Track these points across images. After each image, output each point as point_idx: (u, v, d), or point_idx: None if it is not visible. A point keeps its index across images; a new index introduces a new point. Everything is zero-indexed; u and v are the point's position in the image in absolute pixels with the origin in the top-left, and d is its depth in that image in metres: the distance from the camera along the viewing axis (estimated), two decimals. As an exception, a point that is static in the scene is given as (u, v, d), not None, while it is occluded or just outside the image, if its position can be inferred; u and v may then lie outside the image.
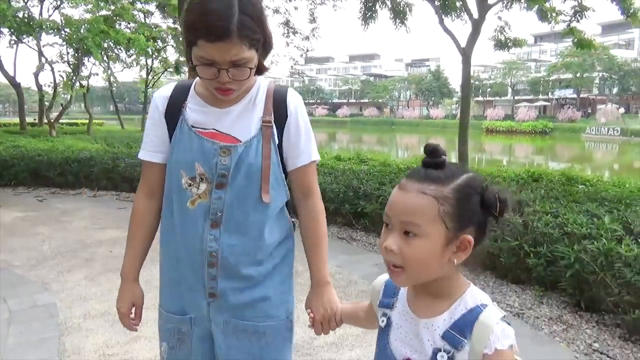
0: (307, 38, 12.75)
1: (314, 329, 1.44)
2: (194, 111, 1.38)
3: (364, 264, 4.36)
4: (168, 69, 24.10)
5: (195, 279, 1.39)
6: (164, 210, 1.45)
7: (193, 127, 1.36)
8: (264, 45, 1.28)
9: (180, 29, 19.11)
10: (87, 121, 20.47)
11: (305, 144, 1.44)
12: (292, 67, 14.19)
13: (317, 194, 1.50)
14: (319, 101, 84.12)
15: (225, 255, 1.36)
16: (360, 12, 10.30)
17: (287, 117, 1.41)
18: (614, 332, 3.05)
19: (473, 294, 1.00)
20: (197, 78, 1.39)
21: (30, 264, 4.26)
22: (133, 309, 1.48)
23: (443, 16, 9.31)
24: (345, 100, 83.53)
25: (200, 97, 1.39)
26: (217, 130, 1.36)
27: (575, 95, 59.00)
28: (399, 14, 10.08)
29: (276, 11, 12.46)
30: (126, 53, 21.33)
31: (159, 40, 22.06)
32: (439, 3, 9.01)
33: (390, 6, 10.14)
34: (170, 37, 21.78)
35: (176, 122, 1.38)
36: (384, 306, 1.12)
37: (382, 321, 1.10)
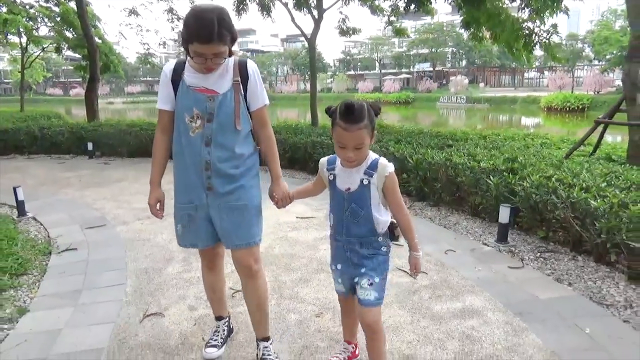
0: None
1: (277, 206, 2.20)
2: (189, 77, 2.02)
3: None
4: (46, 49, 23.73)
5: (197, 179, 2.06)
6: (176, 139, 2.09)
7: (190, 86, 2.00)
8: (231, 40, 1.91)
9: (55, 8, 19.60)
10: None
11: (261, 94, 2.10)
12: (178, 47, 16.06)
13: (269, 125, 2.15)
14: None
15: (214, 162, 2.02)
16: (234, 5, 12.74)
17: (248, 77, 2.06)
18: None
19: (372, 155, 1.92)
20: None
21: (35, 186, 6.44)
22: (158, 204, 2.21)
23: (297, 11, 12.14)
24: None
25: (193, 68, 2.03)
26: (204, 87, 2.00)
27: (432, 68, 63.24)
28: (265, 8, 12.67)
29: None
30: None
31: (31, 21, 21.79)
32: (293, 3, 11.72)
33: (257, 1, 12.71)
34: (43, 16, 21.53)
35: (178, 84, 2.03)
36: (330, 170, 1.99)
37: (331, 176, 1.97)
